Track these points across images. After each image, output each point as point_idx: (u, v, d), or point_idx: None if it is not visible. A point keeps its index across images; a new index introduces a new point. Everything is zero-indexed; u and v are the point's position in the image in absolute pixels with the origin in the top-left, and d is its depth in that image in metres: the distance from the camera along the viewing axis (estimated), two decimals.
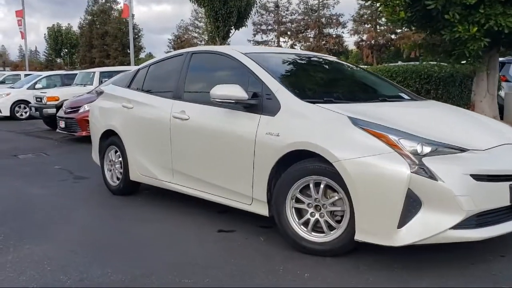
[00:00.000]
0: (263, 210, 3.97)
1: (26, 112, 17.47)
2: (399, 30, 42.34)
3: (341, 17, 47.21)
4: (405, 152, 3.21)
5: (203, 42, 54.22)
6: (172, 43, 56.84)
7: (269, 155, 3.81)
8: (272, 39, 49.76)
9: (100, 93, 6.19)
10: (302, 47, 46.66)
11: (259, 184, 3.94)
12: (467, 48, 7.15)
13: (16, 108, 17.69)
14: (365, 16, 44.56)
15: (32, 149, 10.17)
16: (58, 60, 57.95)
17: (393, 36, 43.47)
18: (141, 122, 5.25)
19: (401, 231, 3.18)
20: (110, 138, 5.82)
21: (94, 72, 14.84)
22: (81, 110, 11.01)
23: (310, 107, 3.74)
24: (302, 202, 3.67)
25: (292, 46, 46.51)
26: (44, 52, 64.12)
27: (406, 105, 4.32)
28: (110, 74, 14.34)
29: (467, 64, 8.09)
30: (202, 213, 4.84)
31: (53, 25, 45.19)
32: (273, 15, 49.78)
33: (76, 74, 17.47)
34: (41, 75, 19.44)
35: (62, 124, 11.38)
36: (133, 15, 51.65)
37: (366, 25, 45.08)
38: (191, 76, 4.91)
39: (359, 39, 45.20)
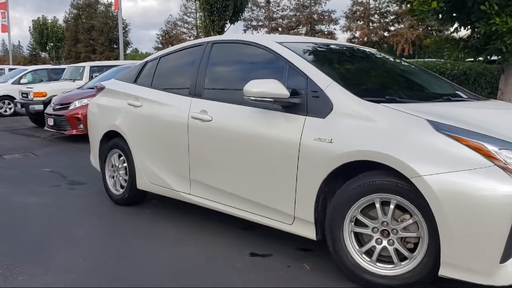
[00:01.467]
0: (309, 232, 3.28)
1: (10, 108, 16.62)
2: (390, 28, 41.91)
3: (333, 13, 46.58)
4: (509, 167, 2.53)
5: (192, 38, 53.27)
6: (160, 38, 55.72)
7: (318, 166, 3.12)
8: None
9: (100, 88, 5.44)
10: None
11: (303, 201, 3.25)
12: (504, 42, 6.52)
13: (0, 104, 16.78)
14: (358, 13, 43.97)
15: (18, 148, 9.41)
16: (43, 54, 56.55)
17: (386, 33, 42.93)
18: (152, 123, 4.53)
19: (504, 266, 2.51)
20: (113, 140, 5.09)
21: (84, 67, 14.04)
22: (71, 107, 10.37)
23: (374, 108, 3.04)
24: (365, 226, 2.98)
25: None
26: (28, 46, 62.64)
27: (479, 106, 3.64)
28: (100, 69, 13.61)
29: (501, 60, 7.45)
30: (224, 230, 4.14)
31: (38, 18, 43.80)
32: (264, 10, 49.00)
33: (63, 68, 16.65)
34: (27, 69, 18.53)
35: (50, 121, 10.67)
36: (120, 9, 50.64)
37: (358, 22, 44.46)
38: (213, 70, 4.20)
39: (352, 36, 44.47)
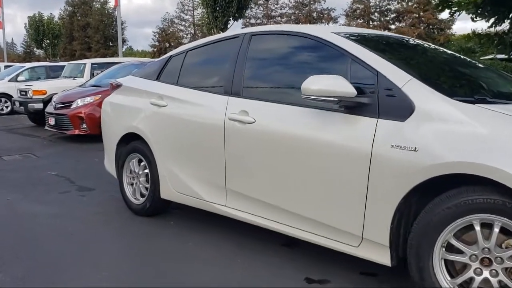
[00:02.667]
0: (381, 257, 2.77)
1: (7, 107, 16.05)
2: (391, 27, 41.49)
3: (333, 11, 46.15)
4: None
5: (189, 36, 52.72)
6: (157, 36, 55.11)
7: (397, 179, 2.61)
8: None
9: (116, 86, 4.92)
10: None
11: (375, 220, 2.75)
12: None
13: None
14: (358, 11, 43.51)
15: (17, 149, 8.88)
16: (37, 52, 55.76)
17: (386, 32, 42.44)
18: (179, 124, 4.01)
19: None
20: (132, 143, 4.57)
21: (85, 64, 13.49)
22: (74, 105, 9.89)
23: (470, 109, 2.54)
24: (460, 253, 2.48)
25: None
26: (22, 44, 61.85)
27: None
28: (101, 66, 13.10)
29: None
30: (264, 247, 3.64)
31: (34, 14, 42.81)
32: (262, 8, 48.49)
33: (62, 66, 16.14)
34: (24, 66, 17.92)
35: (51, 121, 10.16)
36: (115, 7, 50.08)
37: (358, 20, 43.93)
38: (253, 66, 3.69)
39: None
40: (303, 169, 3.10)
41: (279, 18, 48.34)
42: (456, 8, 6.79)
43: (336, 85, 2.81)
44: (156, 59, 4.89)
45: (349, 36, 3.23)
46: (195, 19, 51.68)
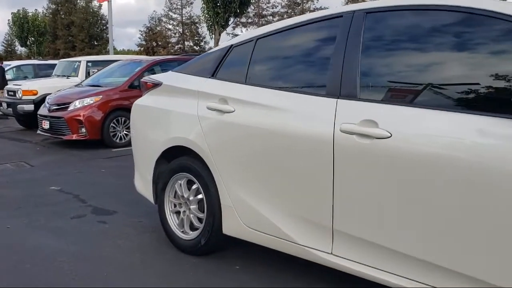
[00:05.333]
0: None
1: None
2: None
3: None
4: None
5: (177, 34, 51.46)
6: (144, 35, 53.76)
7: None
8: None
9: (154, 85, 3.80)
10: None
11: None
12: None
13: None
14: None
15: (8, 156, 7.83)
16: (18, 50, 54.06)
17: None
18: (256, 137, 2.92)
19: None
20: (179, 159, 3.49)
21: (80, 62, 12.33)
22: (71, 107, 8.90)
23: None
24: None
25: None
26: (3, 42, 59.87)
27: None
28: (97, 64, 12.06)
29: None
30: None
31: (18, 10, 41.01)
32: (253, 7, 47.48)
33: (50, 64, 15.09)
34: (9, 64, 16.63)
35: (45, 124, 9.10)
36: (100, 5, 48.68)
37: None
38: (375, 56, 2.62)
39: None
40: (489, 213, 2.04)
41: (271, 17, 47.44)
42: None
43: None
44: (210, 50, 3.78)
45: None
46: (184, 18, 50.50)
